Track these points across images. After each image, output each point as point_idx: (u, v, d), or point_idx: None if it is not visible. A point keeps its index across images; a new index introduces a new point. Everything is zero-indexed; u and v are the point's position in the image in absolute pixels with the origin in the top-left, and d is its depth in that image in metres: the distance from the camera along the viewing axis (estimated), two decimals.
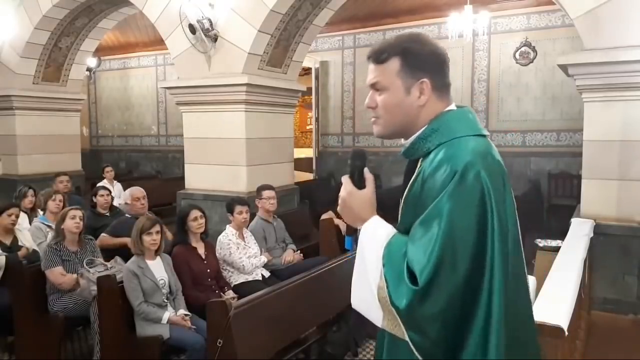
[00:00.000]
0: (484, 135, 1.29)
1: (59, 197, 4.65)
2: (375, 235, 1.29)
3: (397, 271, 1.20)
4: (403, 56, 1.28)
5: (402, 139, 1.38)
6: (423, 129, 1.30)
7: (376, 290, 1.23)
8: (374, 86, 1.33)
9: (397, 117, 1.32)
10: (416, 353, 1.19)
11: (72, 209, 3.76)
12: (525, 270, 1.31)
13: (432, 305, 1.15)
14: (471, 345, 1.17)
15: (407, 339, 1.20)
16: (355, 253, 1.35)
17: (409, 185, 1.31)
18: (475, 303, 1.16)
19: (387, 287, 1.20)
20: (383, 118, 1.34)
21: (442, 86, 1.31)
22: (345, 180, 1.36)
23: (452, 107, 1.33)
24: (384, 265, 1.23)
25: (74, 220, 3.68)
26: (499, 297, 1.16)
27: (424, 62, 1.29)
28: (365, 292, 1.28)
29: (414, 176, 1.29)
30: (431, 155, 1.26)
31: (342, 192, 1.36)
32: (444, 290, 1.14)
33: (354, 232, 1.26)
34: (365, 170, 1.36)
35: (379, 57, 1.31)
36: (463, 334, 1.18)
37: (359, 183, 1.34)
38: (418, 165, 1.30)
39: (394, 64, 1.29)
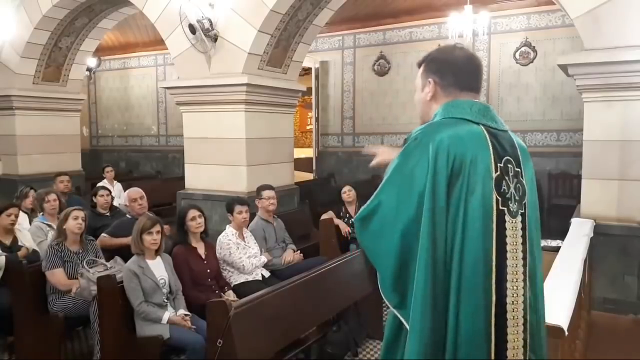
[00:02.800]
0: (477, 123, 1.44)
1: (52, 196, 4.62)
2: None
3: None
4: (425, 61, 1.60)
5: None
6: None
7: None
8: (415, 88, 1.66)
9: (420, 110, 1.62)
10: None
11: (74, 209, 3.76)
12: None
13: (369, 236, 1.45)
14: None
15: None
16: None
17: None
18: (413, 263, 1.35)
19: None
20: (419, 112, 1.64)
21: (450, 85, 1.52)
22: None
23: (469, 100, 1.52)
24: None
25: (76, 221, 3.67)
26: (422, 274, 1.33)
27: (437, 67, 1.56)
28: None
29: None
30: None
31: (384, 147, 1.74)
32: (376, 224, 1.42)
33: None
34: None
35: (418, 64, 1.64)
36: (406, 286, 1.38)
37: None
38: None
39: (421, 68, 1.61)
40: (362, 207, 1.48)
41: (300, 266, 4.35)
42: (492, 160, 1.40)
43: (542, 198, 7.62)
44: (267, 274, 4.29)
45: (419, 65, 1.62)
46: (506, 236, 1.38)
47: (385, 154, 1.65)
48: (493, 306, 1.35)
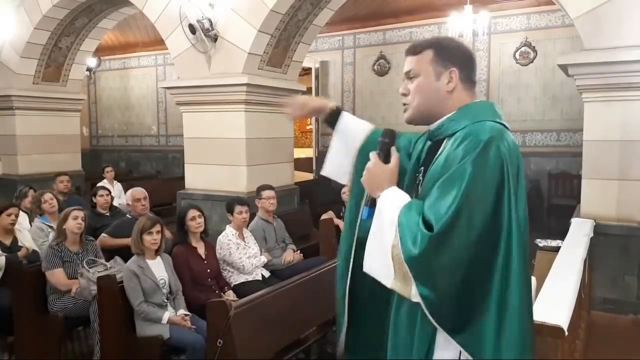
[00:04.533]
0: (505, 126, 1.40)
1: (48, 195, 4.63)
2: (393, 200, 1.38)
3: (412, 227, 1.27)
4: (436, 48, 1.45)
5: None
6: (453, 112, 1.43)
7: (390, 249, 1.30)
8: (407, 74, 1.49)
9: (426, 99, 1.45)
10: (425, 309, 1.26)
11: (74, 209, 3.76)
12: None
13: (445, 256, 1.23)
14: (485, 329, 1.25)
15: (414, 296, 1.27)
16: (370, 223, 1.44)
17: (434, 161, 1.42)
18: (488, 280, 1.25)
19: (401, 244, 1.28)
20: (413, 102, 1.48)
21: (469, 79, 1.46)
22: (373, 154, 1.49)
23: (481, 100, 1.49)
24: (399, 225, 1.30)
25: (76, 221, 3.67)
26: (518, 285, 1.26)
27: (454, 54, 1.45)
28: (378, 253, 1.35)
29: (438, 152, 1.42)
30: (457, 134, 1.37)
31: (369, 164, 1.48)
32: (457, 243, 1.22)
33: (374, 205, 1.38)
34: (393, 148, 1.50)
35: (415, 49, 1.48)
36: (473, 307, 1.25)
37: (386, 159, 1.48)
38: (442, 145, 1.42)
39: (428, 54, 1.45)
40: (438, 221, 1.24)
41: (300, 266, 4.35)
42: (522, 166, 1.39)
43: (542, 198, 7.63)
44: (267, 274, 4.29)
45: (416, 52, 1.47)
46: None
47: (377, 178, 1.45)
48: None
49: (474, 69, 1.49)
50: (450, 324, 1.27)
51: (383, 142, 1.50)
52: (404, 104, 1.51)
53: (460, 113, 1.41)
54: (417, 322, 1.36)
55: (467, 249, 1.23)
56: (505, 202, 1.26)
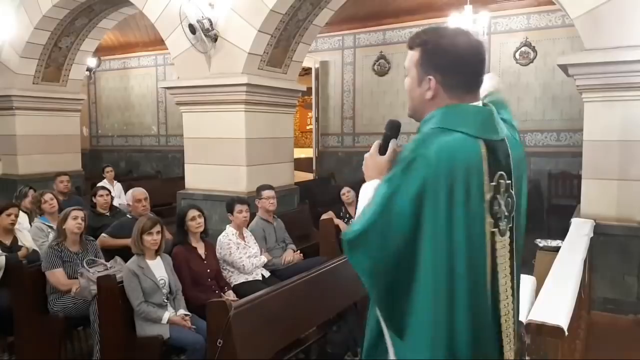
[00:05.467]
0: (476, 137, 1.29)
1: (48, 195, 4.63)
2: (367, 194, 1.38)
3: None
4: (423, 48, 1.35)
5: None
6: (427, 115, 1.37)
7: None
8: (405, 69, 1.45)
9: (411, 100, 1.43)
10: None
11: (74, 209, 3.76)
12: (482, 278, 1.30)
13: (360, 258, 1.27)
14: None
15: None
16: None
17: None
18: (408, 291, 1.25)
19: None
20: (408, 97, 1.46)
21: (455, 85, 1.33)
22: (375, 145, 1.49)
23: (474, 104, 1.36)
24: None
25: (75, 221, 3.67)
26: (427, 296, 1.24)
27: (438, 60, 1.33)
28: None
29: None
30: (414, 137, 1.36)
31: (367, 153, 1.50)
32: (370, 250, 1.25)
33: None
34: (392, 141, 1.47)
35: (410, 43, 1.40)
36: (395, 311, 1.28)
37: (384, 150, 1.47)
38: None
39: (417, 53, 1.37)
40: (350, 229, 1.30)
41: (300, 266, 4.35)
42: (486, 182, 1.28)
43: (542, 198, 7.63)
44: (267, 274, 4.29)
45: (411, 47, 1.38)
46: (497, 257, 1.31)
47: (369, 169, 1.46)
48: (501, 332, 1.32)
49: (469, 73, 1.34)
50: (384, 319, 1.31)
51: (385, 134, 1.48)
52: None
53: (436, 113, 1.33)
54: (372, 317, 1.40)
55: (384, 259, 1.24)
56: (428, 221, 1.21)
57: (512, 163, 1.36)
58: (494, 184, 1.30)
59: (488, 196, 1.29)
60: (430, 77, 1.33)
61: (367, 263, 1.26)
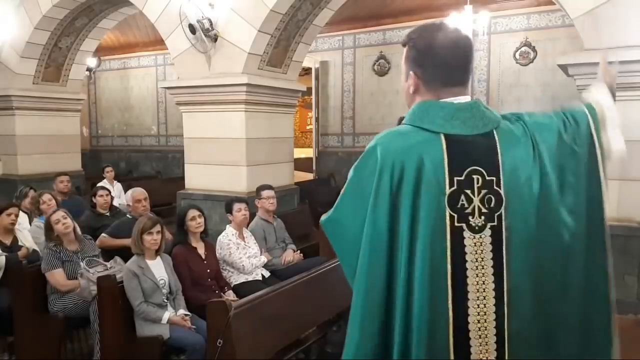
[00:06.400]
0: (436, 132, 1.32)
1: (46, 196, 4.63)
2: None
3: None
4: (409, 46, 1.43)
5: None
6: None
7: None
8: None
9: (404, 97, 1.49)
10: None
11: (52, 214, 3.73)
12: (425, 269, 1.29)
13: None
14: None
15: None
16: None
17: None
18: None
19: None
20: None
21: (431, 80, 1.37)
22: None
23: (447, 100, 1.36)
24: None
25: (58, 225, 3.64)
26: (362, 283, 1.35)
27: (420, 56, 1.39)
28: None
29: None
30: None
31: None
32: (331, 233, 1.50)
33: None
34: None
35: (403, 41, 1.46)
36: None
37: None
38: None
39: (405, 51, 1.45)
40: (324, 216, 1.50)
41: (300, 266, 4.35)
42: (447, 175, 1.28)
43: None
44: (267, 274, 4.29)
45: (403, 45, 1.45)
46: (465, 253, 1.28)
47: None
48: (450, 326, 1.28)
49: (446, 68, 1.36)
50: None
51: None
52: None
53: (409, 112, 1.42)
54: None
55: (346, 243, 1.42)
56: (369, 213, 1.31)
57: (500, 160, 1.31)
58: (460, 178, 1.29)
59: (449, 190, 1.28)
60: (411, 72, 1.41)
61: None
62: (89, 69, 10.29)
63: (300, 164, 9.82)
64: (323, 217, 1.50)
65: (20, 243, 4.13)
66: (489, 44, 8.16)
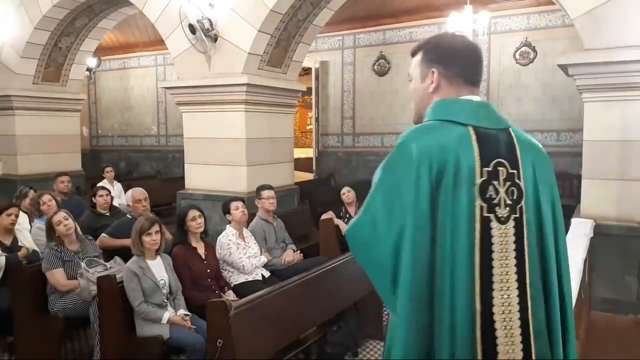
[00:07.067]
0: (464, 124, 1.35)
1: (46, 197, 4.63)
2: None
3: None
4: (424, 49, 1.48)
5: None
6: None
7: None
8: (409, 76, 1.55)
9: (416, 101, 1.52)
10: None
11: (53, 215, 3.73)
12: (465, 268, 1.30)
13: (356, 250, 1.43)
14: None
15: None
16: None
17: None
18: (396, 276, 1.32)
19: None
20: (413, 104, 1.55)
21: (455, 76, 1.43)
22: None
23: (467, 97, 1.42)
24: None
25: (60, 226, 3.64)
26: (407, 277, 1.30)
27: (439, 55, 1.45)
28: None
29: None
30: None
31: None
32: (362, 240, 1.39)
33: None
34: None
35: (413, 51, 1.53)
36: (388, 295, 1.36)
37: None
38: None
39: (419, 57, 1.50)
40: (352, 222, 1.42)
41: (300, 266, 4.35)
42: (478, 165, 1.32)
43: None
44: (267, 274, 4.29)
45: (414, 54, 1.51)
46: (492, 244, 1.31)
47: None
48: (478, 316, 1.29)
49: (467, 66, 1.44)
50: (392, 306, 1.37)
51: None
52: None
53: (429, 109, 1.43)
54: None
55: (380, 245, 1.33)
56: (411, 202, 1.29)
57: (519, 154, 1.38)
58: (488, 169, 1.33)
59: (479, 180, 1.31)
60: (433, 69, 1.44)
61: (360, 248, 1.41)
62: (89, 69, 10.29)
63: (300, 164, 9.83)
64: (350, 225, 1.42)
65: (20, 243, 4.13)
66: (489, 44, 8.16)
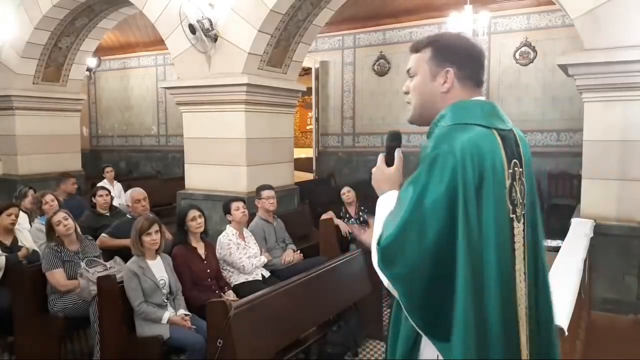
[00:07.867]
0: (488, 127, 1.34)
1: (49, 197, 4.64)
2: (386, 204, 1.41)
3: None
4: (435, 46, 1.42)
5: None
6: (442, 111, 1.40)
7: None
8: (408, 72, 1.47)
9: (421, 99, 1.44)
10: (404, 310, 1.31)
11: (53, 215, 3.73)
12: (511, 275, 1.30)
13: (398, 266, 1.27)
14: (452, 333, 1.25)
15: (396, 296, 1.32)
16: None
17: None
18: (450, 289, 1.23)
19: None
20: (412, 101, 1.47)
21: (467, 78, 1.40)
22: (380, 158, 1.52)
23: (478, 99, 1.41)
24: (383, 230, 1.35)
25: (60, 226, 3.64)
26: (462, 292, 1.22)
27: (453, 54, 1.40)
28: (374, 251, 1.38)
29: None
30: (435, 133, 1.37)
31: (374, 168, 1.53)
32: (409, 255, 1.25)
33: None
34: (397, 150, 1.51)
35: (417, 47, 1.46)
36: (439, 313, 1.26)
37: (390, 161, 1.51)
38: None
39: (427, 53, 1.42)
40: (385, 236, 1.30)
41: (300, 266, 4.35)
42: (505, 168, 1.32)
43: (542, 198, 7.63)
44: (267, 274, 4.29)
45: (417, 50, 1.44)
46: (514, 242, 1.32)
47: (380, 182, 1.50)
48: (518, 315, 1.31)
49: (477, 68, 1.42)
50: (423, 327, 1.30)
51: (388, 145, 1.52)
52: (408, 103, 1.49)
53: (447, 111, 1.37)
54: (402, 320, 1.38)
55: (422, 260, 1.24)
56: (460, 212, 1.23)
57: (522, 152, 1.40)
58: (510, 171, 1.34)
59: (507, 183, 1.32)
60: (448, 69, 1.39)
61: (404, 271, 1.27)
62: (89, 69, 10.29)
63: (300, 164, 9.82)
64: (382, 244, 1.30)
65: (20, 243, 4.13)
66: (489, 44, 8.16)
